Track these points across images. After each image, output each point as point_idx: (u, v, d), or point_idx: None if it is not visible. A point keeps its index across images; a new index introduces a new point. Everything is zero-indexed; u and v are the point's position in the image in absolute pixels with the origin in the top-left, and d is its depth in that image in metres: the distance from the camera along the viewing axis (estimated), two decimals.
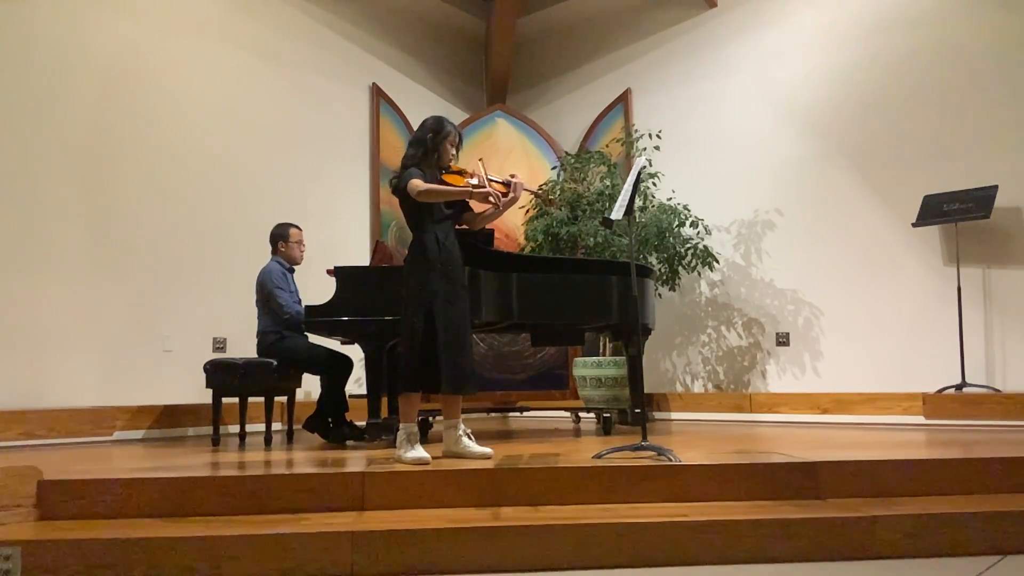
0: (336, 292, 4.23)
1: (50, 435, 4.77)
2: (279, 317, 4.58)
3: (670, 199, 6.31)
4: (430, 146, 3.58)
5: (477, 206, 3.73)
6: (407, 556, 2.54)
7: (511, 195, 3.61)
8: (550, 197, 4.37)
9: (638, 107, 7.19)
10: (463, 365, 3.44)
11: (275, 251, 4.85)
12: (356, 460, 3.50)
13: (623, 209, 3.47)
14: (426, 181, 3.53)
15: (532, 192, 3.89)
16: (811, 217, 6.19)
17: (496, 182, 3.66)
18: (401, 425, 3.45)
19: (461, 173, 3.66)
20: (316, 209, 6.28)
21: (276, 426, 5.07)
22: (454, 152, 3.68)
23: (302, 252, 4.90)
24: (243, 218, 5.94)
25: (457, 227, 3.72)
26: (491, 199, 3.45)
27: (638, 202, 6.07)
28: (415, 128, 3.86)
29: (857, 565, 2.56)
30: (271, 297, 4.60)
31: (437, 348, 3.39)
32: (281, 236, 4.85)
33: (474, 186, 3.53)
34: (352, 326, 4.21)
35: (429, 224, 3.54)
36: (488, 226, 3.92)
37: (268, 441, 4.57)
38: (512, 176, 3.66)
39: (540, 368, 7.14)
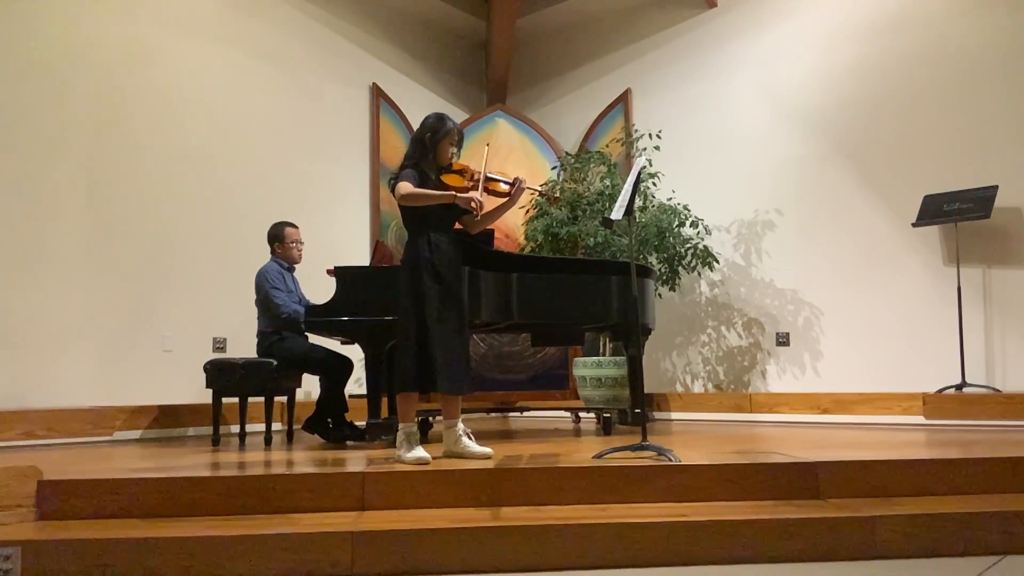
0: (336, 292, 4.23)
1: (50, 435, 4.77)
2: (292, 320, 4.57)
3: (670, 199, 6.31)
4: (428, 145, 3.57)
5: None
6: (407, 556, 2.54)
7: (511, 197, 3.62)
8: (555, 196, 4.35)
9: (638, 107, 7.19)
10: (459, 365, 3.44)
11: (272, 252, 4.84)
12: (356, 460, 3.50)
13: (623, 209, 3.47)
14: (425, 181, 3.53)
15: (536, 191, 3.87)
16: (811, 217, 6.19)
17: (496, 180, 3.65)
18: (400, 425, 3.45)
19: (462, 172, 3.64)
20: (316, 209, 6.28)
21: (276, 426, 5.07)
22: (455, 150, 3.66)
23: (300, 252, 4.86)
24: (243, 218, 5.94)
25: (457, 227, 3.72)
26: (472, 205, 3.42)
27: (638, 202, 6.07)
28: (415, 128, 3.86)
29: (857, 565, 2.56)
30: (267, 297, 4.60)
31: (431, 348, 3.38)
32: (276, 237, 4.82)
33: (459, 191, 3.53)
34: (352, 326, 4.21)
35: (423, 226, 3.53)
36: (488, 226, 3.92)
37: (268, 441, 4.57)
38: (518, 179, 3.65)
39: (540, 368, 7.14)
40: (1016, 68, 5.41)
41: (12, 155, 4.97)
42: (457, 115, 7.42)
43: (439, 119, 3.61)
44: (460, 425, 3.52)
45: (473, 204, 3.40)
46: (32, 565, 2.45)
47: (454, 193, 3.46)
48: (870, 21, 6.01)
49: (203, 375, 4.52)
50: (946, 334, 5.41)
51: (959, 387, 5.21)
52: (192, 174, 5.79)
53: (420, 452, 3.31)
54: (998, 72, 5.47)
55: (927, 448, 3.79)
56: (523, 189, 3.66)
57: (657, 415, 6.53)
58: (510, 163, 7.25)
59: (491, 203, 3.67)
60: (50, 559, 2.46)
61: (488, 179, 3.62)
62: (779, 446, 3.87)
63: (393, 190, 3.53)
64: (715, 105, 6.75)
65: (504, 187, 3.65)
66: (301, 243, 4.87)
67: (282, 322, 4.56)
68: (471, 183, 3.61)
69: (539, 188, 4.02)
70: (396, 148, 7.00)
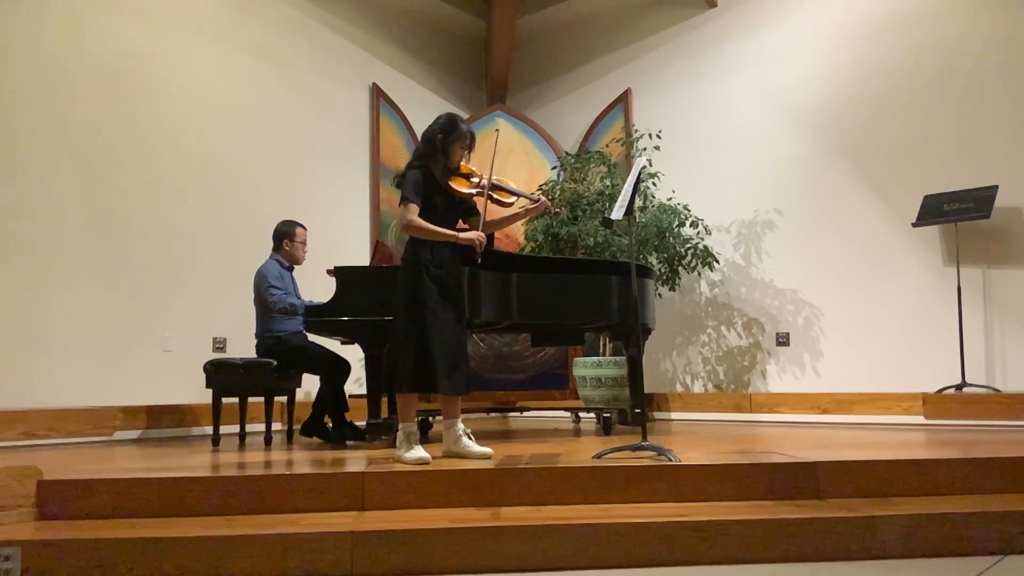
0: (336, 292, 4.23)
1: (50, 435, 4.77)
2: (280, 317, 4.57)
3: (670, 199, 6.31)
4: (439, 146, 3.55)
5: (487, 212, 3.72)
6: (407, 556, 2.54)
7: (527, 212, 3.67)
8: (556, 210, 4.39)
9: (638, 107, 7.19)
10: (458, 367, 3.44)
11: (277, 248, 4.80)
12: (356, 460, 3.50)
13: (623, 209, 3.47)
14: (431, 181, 3.52)
15: (549, 214, 3.92)
16: (811, 217, 6.19)
17: (503, 188, 3.64)
18: (400, 425, 3.45)
19: (468, 176, 3.64)
20: (316, 209, 6.27)
21: (276, 426, 5.06)
22: (465, 153, 3.65)
23: (304, 253, 4.87)
24: (243, 218, 5.94)
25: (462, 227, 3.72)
26: (475, 245, 3.46)
27: (638, 202, 6.07)
28: (415, 128, 3.87)
29: (857, 565, 2.56)
30: (264, 294, 4.58)
31: (431, 349, 3.38)
32: (287, 235, 4.79)
33: (464, 195, 3.55)
34: (352, 326, 4.21)
35: None
36: (496, 231, 3.93)
37: (268, 441, 4.57)
38: (540, 198, 3.69)
39: (540, 368, 7.14)
40: (1016, 68, 5.40)
41: (11, 155, 4.97)
42: (460, 116, 7.41)
43: (452, 120, 3.58)
44: (460, 425, 3.52)
45: (476, 244, 3.45)
46: (32, 565, 2.45)
47: (456, 234, 3.49)
48: (870, 21, 6.01)
49: (203, 375, 4.52)
50: (946, 334, 5.41)
51: (959, 387, 5.21)
52: (192, 174, 5.79)
53: (420, 452, 3.31)
54: (998, 72, 5.47)
55: (927, 448, 3.79)
56: (541, 209, 3.68)
57: (657, 415, 6.53)
58: (510, 163, 7.25)
59: (496, 211, 3.67)
60: (50, 559, 2.46)
61: (495, 187, 3.61)
62: (779, 446, 3.87)
63: (404, 189, 3.52)
64: (715, 105, 6.75)
65: (510, 197, 3.64)
66: (306, 245, 4.87)
67: (279, 311, 4.54)
68: (476, 188, 3.61)
69: (556, 210, 4.09)
70: (396, 148, 7.01)
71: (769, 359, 6.31)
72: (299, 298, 4.72)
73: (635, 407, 5.01)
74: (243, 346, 5.10)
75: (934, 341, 5.51)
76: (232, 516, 2.81)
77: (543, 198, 3.74)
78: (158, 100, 5.66)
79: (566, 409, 5.91)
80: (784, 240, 6.32)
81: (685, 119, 6.85)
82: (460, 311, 3.56)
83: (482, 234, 3.48)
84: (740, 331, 6.49)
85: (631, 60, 7.34)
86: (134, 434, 5.13)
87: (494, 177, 3.62)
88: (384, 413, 4.27)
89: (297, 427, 4.81)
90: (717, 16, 6.85)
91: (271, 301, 4.54)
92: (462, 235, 3.48)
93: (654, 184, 6.33)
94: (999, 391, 5.16)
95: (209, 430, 4.67)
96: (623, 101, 7.25)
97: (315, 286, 4.89)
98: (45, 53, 5.15)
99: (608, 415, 5.03)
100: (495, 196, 3.61)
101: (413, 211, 3.45)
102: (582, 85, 7.67)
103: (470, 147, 3.65)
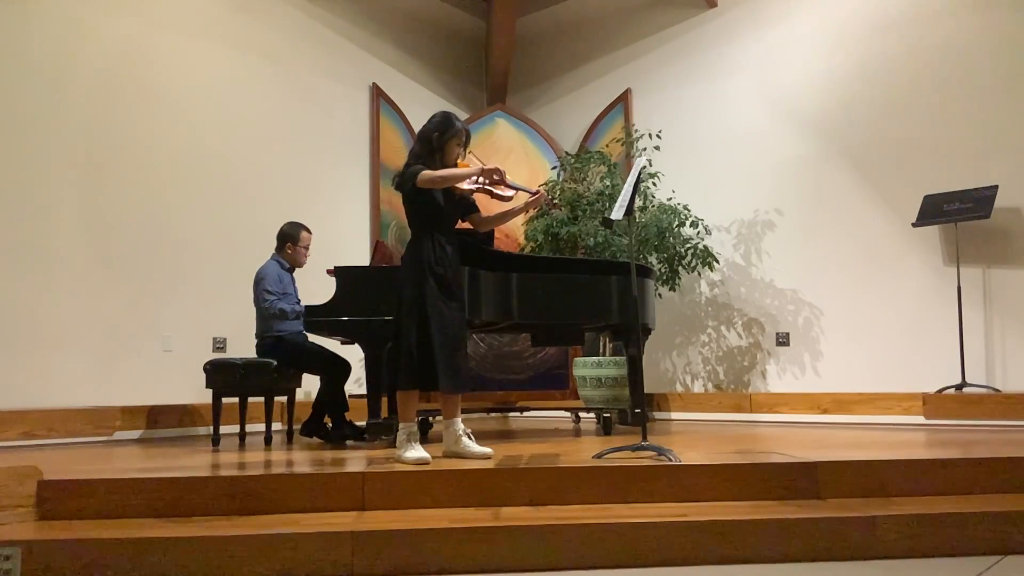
0: (336, 292, 4.23)
1: (50, 435, 4.77)
2: (280, 317, 4.57)
3: (670, 199, 6.31)
4: (435, 145, 3.55)
5: (486, 208, 3.72)
6: (407, 556, 2.54)
7: (526, 205, 3.66)
8: (556, 203, 4.39)
9: (638, 107, 7.19)
10: (459, 365, 3.44)
11: (280, 249, 4.79)
12: (356, 460, 3.50)
13: (623, 209, 3.47)
14: None
15: (548, 207, 3.92)
16: (811, 217, 6.19)
17: (500, 182, 3.65)
18: (401, 425, 3.45)
19: None
20: (316, 209, 6.26)
21: (276, 426, 5.07)
22: (461, 151, 3.65)
23: (307, 257, 4.86)
24: (243, 218, 5.94)
25: (460, 227, 3.72)
26: (496, 177, 3.48)
27: (638, 202, 6.07)
28: (415, 128, 3.86)
29: (857, 565, 2.56)
30: (259, 297, 4.58)
31: (432, 347, 3.38)
32: (291, 238, 4.77)
33: (464, 191, 3.56)
34: (352, 326, 4.21)
35: (428, 226, 3.53)
36: (494, 227, 3.92)
37: (268, 441, 4.57)
38: (539, 192, 3.69)
39: (540, 368, 7.14)
40: (1016, 68, 5.40)
41: (12, 155, 4.97)
42: (457, 115, 7.41)
43: (447, 119, 3.59)
44: (460, 425, 3.52)
45: (496, 176, 3.48)
46: (32, 565, 2.45)
47: (481, 167, 3.50)
48: (870, 21, 6.01)
49: (203, 375, 4.52)
50: (946, 334, 5.41)
51: (959, 387, 5.21)
52: (192, 174, 5.79)
53: (420, 452, 3.31)
54: (998, 72, 5.47)
55: (927, 448, 3.79)
56: (539, 202, 3.68)
57: (657, 415, 6.53)
58: (510, 163, 7.25)
59: (495, 206, 3.67)
60: (50, 559, 2.46)
61: (494, 181, 3.62)
62: (779, 446, 3.87)
63: (400, 187, 3.52)
64: (715, 105, 6.75)
65: (508, 190, 3.64)
66: (309, 249, 4.87)
67: (272, 316, 4.54)
68: (475, 185, 3.61)
69: (556, 203, 4.09)
70: (396, 148, 7.00)
71: (769, 359, 6.31)
72: (298, 300, 4.71)
73: (635, 407, 5.01)
74: (243, 346, 5.10)
75: (934, 341, 5.51)
76: (232, 516, 2.81)
77: (541, 191, 3.74)
78: (157, 99, 5.66)
79: (566, 409, 5.91)
80: (784, 240, 6.32)
81: (685, 119, 6.85)
82: (461, 309, 3.57)
83: (498, 168, 3.53)
84: (740, 331, 6.49)
85: (631, 60, 7.34)
86: (134, 434, 5.13)
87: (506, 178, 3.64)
88: (384, 413, 4.27)
89: (297, 427, 4.81)
90: (717, 16, 6.85)
91: (263, 306, 4.56)
92: (485, 168, 3.51)
93: (654, 184, 6.33)
94: (999, 391, 5.16)
95: (209, 430, 4.68)
96: (623, 101, 7.25)
97: (315, 286, 4.88)
98: (45, 54, 5.15)
99: (608, 415, 5.03)
100: (494, 190, 3.62)
101: (423, 171, 3.44)
102: (582, 85, 7.67)
103: (465, 144, 3.65)
